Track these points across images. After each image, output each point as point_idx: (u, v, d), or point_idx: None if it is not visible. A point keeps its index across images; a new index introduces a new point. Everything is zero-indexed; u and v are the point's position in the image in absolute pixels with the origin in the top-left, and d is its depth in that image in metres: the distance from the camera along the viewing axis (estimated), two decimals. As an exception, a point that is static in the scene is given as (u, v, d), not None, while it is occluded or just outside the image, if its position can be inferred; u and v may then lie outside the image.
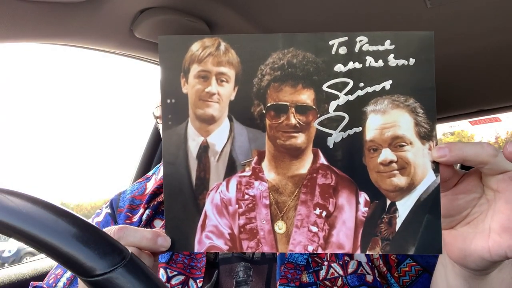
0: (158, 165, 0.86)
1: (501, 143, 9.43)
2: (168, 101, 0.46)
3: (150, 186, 0.79)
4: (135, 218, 0.73)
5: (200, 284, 0.63)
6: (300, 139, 0.45)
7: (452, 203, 0.44)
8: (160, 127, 0.87)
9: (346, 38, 0.44)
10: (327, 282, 0.62)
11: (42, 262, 1.28)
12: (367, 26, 1.23)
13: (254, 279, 0.65)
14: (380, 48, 0.44)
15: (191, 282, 0.65)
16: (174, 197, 0.46)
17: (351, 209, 0.45)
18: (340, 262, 0.64)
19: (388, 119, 0.44)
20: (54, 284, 0.69)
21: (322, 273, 0.63)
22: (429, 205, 0.43)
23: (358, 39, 0.44)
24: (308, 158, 0.45)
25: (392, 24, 1.23)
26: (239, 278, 0.65)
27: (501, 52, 1.51)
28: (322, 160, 0.45)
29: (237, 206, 0.46)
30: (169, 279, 0.64)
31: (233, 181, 0.46)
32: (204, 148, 0.46)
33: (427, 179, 0.44)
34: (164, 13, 0.94)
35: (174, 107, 0.46)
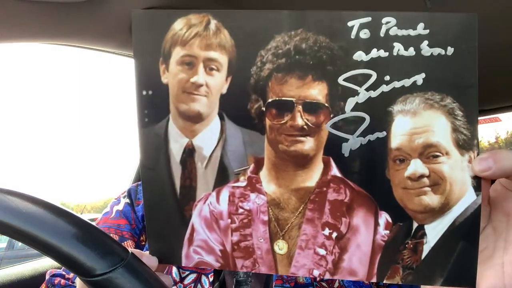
0: None
1: (501, 143, 9.42)
2: (144, 92, 0.38)
3: None
4: None
5: (211, 279, 0.64)
6: (307, 144, 0.37)
7: None
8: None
9: (369, 19, 0.35)
10: (323, 283, 0.62)
11: (42, 262, 1.28)
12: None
13: (253, 280, 0.65)
14: (412, 32, 0.34)
15: (203, 278, 0.65)
16: (156, 207, 0.40)
17: (368, 231, 0.37)
18: None
19: (419, 123, 0.35)
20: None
21: None
22: (465, 231, 0.35)
23: (384, 20, 0.34)
24: (317, 168, 0.37)
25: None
26: (240, 278, 0.66)
27: (501, 52, 1.50)
28: (335, 171, 0.37)
29: (229, 220, 0.39)
30: (182, 279, 0.65)
31: (225, 192, 0.39)
32: (189, 152, 0.39)
33: (466, 199, 0.35)
34: (164, 13, 0.94)
35: (152, 101, 0.38)
